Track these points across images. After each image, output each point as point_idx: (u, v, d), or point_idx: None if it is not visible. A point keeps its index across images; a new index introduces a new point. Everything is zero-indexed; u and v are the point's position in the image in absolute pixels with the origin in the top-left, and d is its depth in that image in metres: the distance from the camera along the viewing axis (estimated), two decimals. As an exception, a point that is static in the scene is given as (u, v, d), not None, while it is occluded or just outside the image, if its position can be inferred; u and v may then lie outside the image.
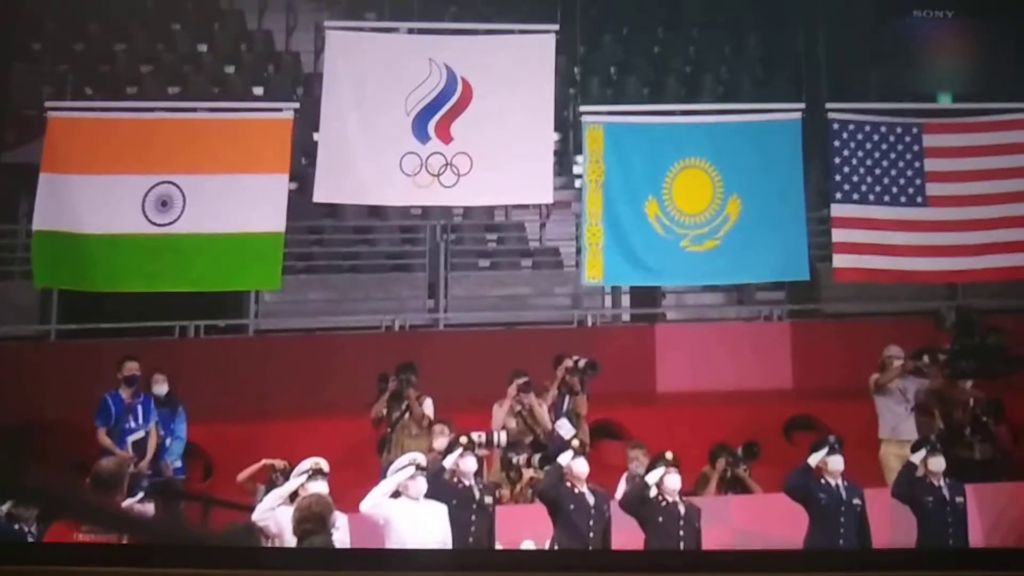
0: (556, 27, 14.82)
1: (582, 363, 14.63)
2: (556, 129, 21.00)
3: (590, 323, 17.91)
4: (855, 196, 15.10)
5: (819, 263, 18.46)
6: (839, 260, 15.11)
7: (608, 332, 17.72)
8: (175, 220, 14.19)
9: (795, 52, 15.77)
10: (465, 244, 19.05)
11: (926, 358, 14.70)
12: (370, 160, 14.50)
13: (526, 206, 20.34)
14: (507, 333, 17.42)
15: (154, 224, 14.17)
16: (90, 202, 14.17)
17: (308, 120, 19.46)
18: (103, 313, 16.14)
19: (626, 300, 18.52)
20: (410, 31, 15.07)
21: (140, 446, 14.25)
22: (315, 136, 20.65)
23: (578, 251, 19.04)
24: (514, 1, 17.72)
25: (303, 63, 19.87)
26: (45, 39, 18.74)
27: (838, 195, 15.08)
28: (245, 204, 14.27)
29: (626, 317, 18.41)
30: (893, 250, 15.12)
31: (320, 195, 14.82)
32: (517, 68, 14.67)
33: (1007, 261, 15.24)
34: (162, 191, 14.19)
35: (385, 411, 14.35)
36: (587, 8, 21.40)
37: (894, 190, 15.15)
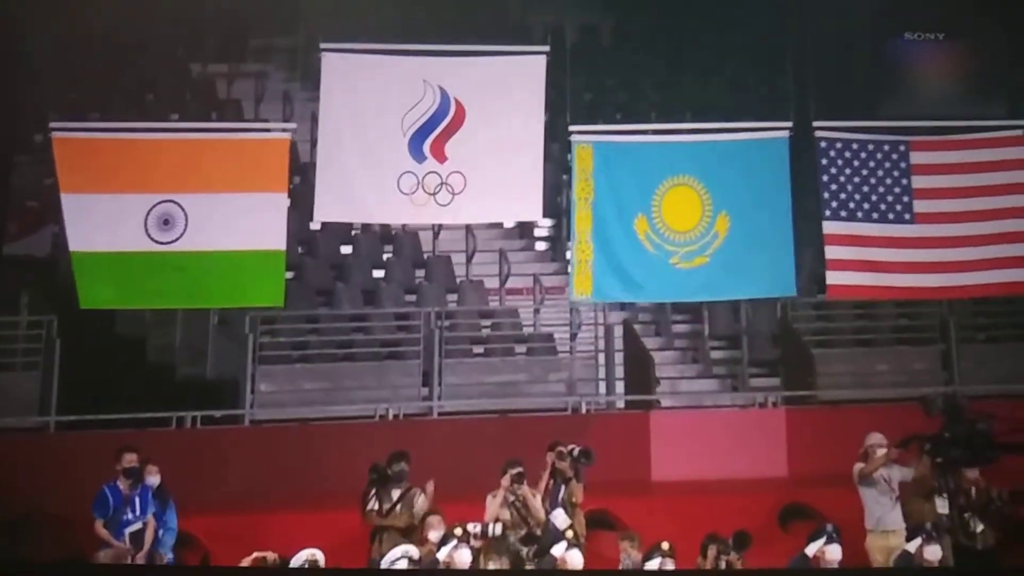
0: (547, 48, 15.09)
1: (576, 451, 14.48)
2: (549, 215, 21.44)
3: (584, 410, 17.83)
4: (843, 213, 15.23)
5: (814, 348, 18.67)
6: (832, 277, 15.24)
7: (602, 419, 17.63)
8: (177, 238, 14.39)
9: (784, 73, 15.95)
10: (459, 330, 19.11)
11: (928, 446, 14.61)
12: (368, 179, 14.75)
13: (520, 290, 20.53)
14: (501, 421, 17.40)
15: (157, 242, 14.37)
16: (95, 220, 14.37)
17: (304, 209, 19.66)
18: (101, 404, 16.18)
19: (620, 387, 18.52)
20: (404, 53, 15.22)
21: (137, 537, 14.18)
22: (311, 225, 21.00)
23: (572, 337, 19.21)
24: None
25: (300, 152, 20.03)
26: (47, 131, 18.97)
27: (827, 212, 15.22)
28: (246, 222, 14.49)
29: (620, 404, 18.35)
30: (883, 267, 15.25)
31: (320, 215, 15.16)
32: (508, 88, 14.94)
33: (995, 278, 15.36)
34: (164, 210, 14.38)
35: (377, 502, 14.26)
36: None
37: (882, 207, 15.28)
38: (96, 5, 20.28)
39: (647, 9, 24.65)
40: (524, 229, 22.17)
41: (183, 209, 14.39)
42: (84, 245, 14.34)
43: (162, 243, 14.35)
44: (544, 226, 22.12)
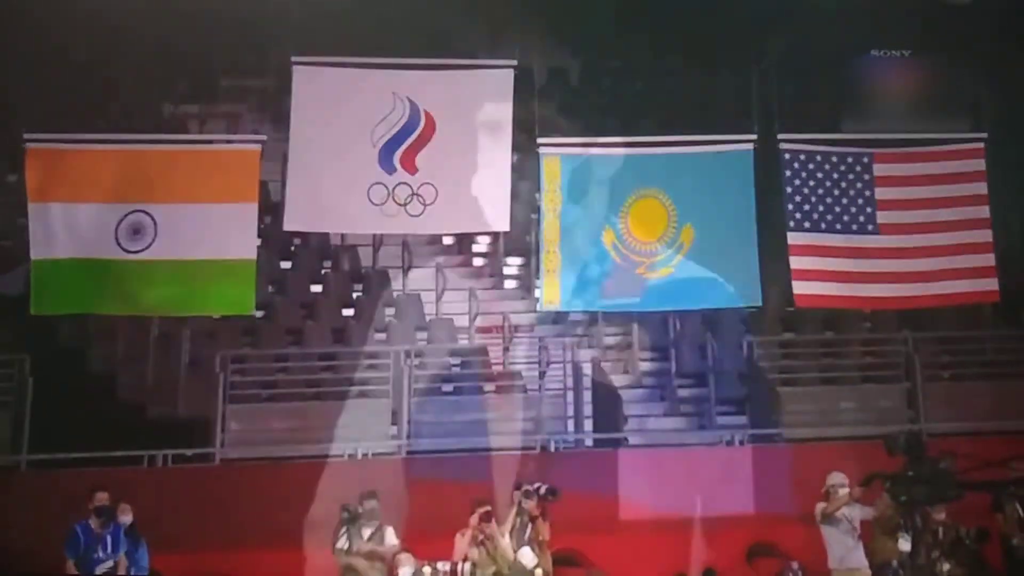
0: (515, 62, 15.21)
1: (542, 489, 14.49)
2: (519, 254, 21.59)
3: (552, 448, 17.85)
4: (807, 224, 15.41)
5: (780, 387, 18.79)
6: (798, 287, 15.38)
7: (571, 457, 17.69)
8: (147, 247, 14.49)
9: (750, 86, 16.10)
10: (429, 369, 19.14)
11: (889, 484, 14.69)
12: (338, 190, 14.85)
13: (489, 329, 20.61)
14: (470, 459, 17.27)
15: (127, 251, 14.46)
16: (63, 229, 14.45)
17: (274, 249, 19.78)
18: (73, 443, 16.19)
19: (588, 425, 18.57)
20: (373, 67, 15.32)
21: (108, 577, 14.23)
22: (282, 264, 21.05)
23: (541, 375, 19.28)
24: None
25: (271, 192, 20.10)
26: (20, 171, 19.14)
27: (791, 223, 15.40)
28: (216, 232, 14.59)
29: (589, 442, 18.39)
30: (848, 277, 15.40)
31: (290, 224, 15.32)
32: (478, 101, 15.09)
33: (955, 288, 15.55)
34: (134, 219, 14.49)
35: (348, 541, 14.35)
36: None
37: (846, 218, 15.48)
38: (68, 47, 20.39)
39: (615, 51, 24.90)
40: (493, 267, 22.32)
41: (153, 219, 14.52)
42: (48, 253, 14.45)
43: (131, 252, 14.47)
44: (513, 264, 22.29)
